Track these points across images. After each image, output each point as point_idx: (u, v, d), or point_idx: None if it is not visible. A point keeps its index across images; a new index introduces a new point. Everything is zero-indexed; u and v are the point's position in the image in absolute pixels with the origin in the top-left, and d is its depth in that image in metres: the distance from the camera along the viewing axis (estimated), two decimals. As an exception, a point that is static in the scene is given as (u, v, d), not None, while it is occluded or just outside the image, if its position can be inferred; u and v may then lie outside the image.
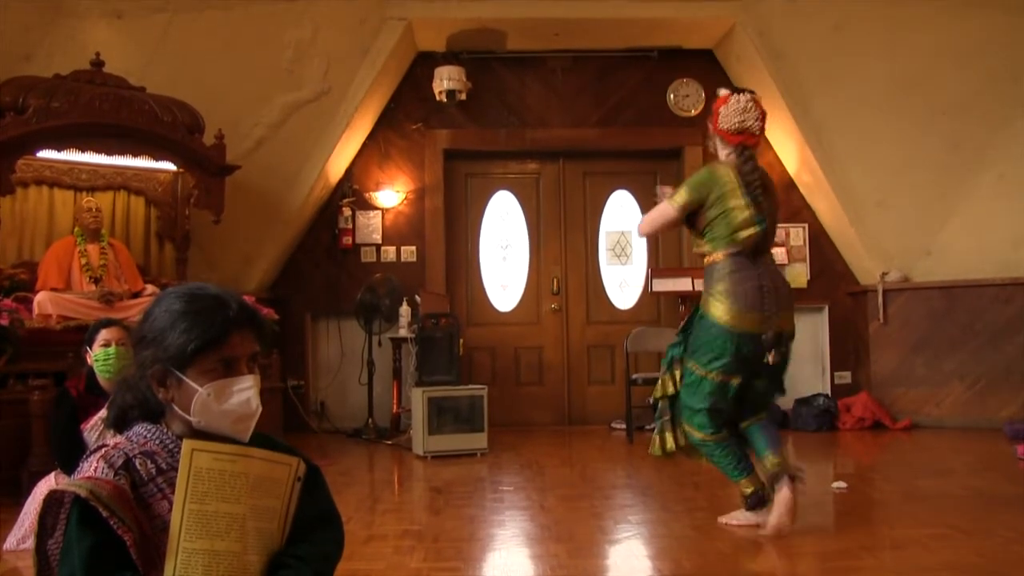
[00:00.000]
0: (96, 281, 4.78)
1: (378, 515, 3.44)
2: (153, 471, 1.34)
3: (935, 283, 6.22)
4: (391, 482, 4.45)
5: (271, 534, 1.34)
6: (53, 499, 1.29)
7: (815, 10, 5.90)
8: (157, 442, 1.38)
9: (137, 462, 1.33)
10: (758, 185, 3.07)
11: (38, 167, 5.05)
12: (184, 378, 1.35)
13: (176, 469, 1.30)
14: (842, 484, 3.80)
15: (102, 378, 3.02)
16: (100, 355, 3.02)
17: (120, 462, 1.32)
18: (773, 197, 3.17)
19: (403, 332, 5.91)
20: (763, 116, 3.15)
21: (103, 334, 3.06)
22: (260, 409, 1.40)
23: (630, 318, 6.73)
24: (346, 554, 1.52)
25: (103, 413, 2.86)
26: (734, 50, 6.30)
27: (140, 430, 1.40)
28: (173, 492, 1.29)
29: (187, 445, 1.30)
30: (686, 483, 3.83)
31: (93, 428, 2.86)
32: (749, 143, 3.13)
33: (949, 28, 5.83)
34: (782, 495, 2.92)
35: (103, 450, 1.35)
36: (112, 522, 1.23)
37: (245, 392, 1.35)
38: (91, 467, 1.31)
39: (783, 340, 3.09)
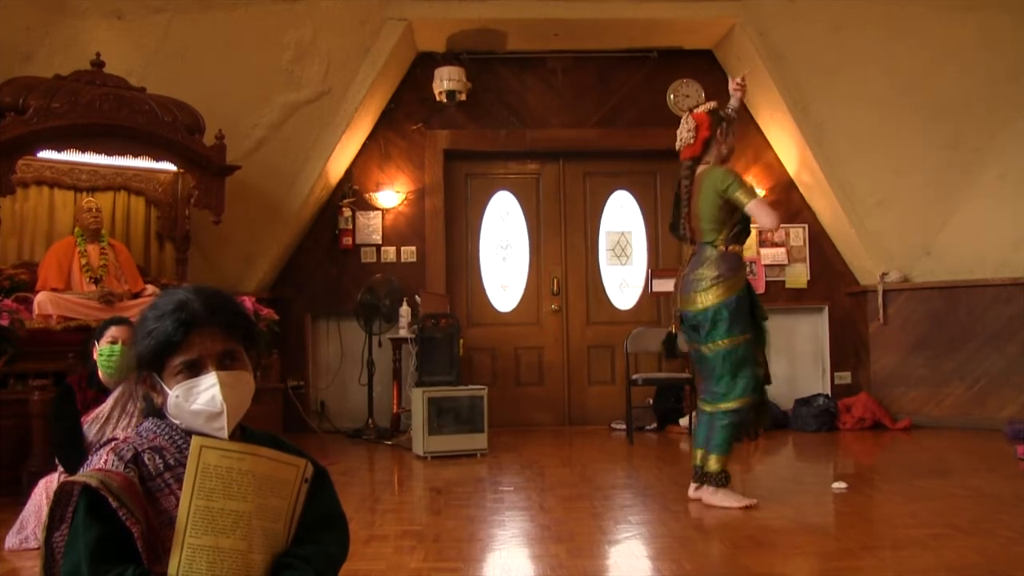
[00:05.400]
0: (96, 281, 4.78)
1: (378, 515, 3.45)
2: (161, 466, 1.34)
3: (935, 283, 6.22)
4: (391, 482, 4.45)
5: (276, 534, 1.35)
6: (63, 491, 1.30)
7: (815, 10, 5.91)
8: (166, 438, 1.38)
9: (146, 457, 1.34)
10: (683, 195, 3.65)
11: (38, 167, 5.05)
12: (159, 381, 1.37)
13: (184, 465, 1.30)
14: (842, 484, 3.80)
15: (104, 374, 3.04)
16: (105, 351, 3.04)
17: (129, 455, 1.33)
18: (696, 204, 3.59)
19: (403, 332, 5.92)
20: (695, 128, 3.61)
21: (112, 331, 3.09)
22: (242, 405, 1.39)
23: (630, 318, 6.74)
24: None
25: (105, 407, 2.88)
26: (734, 50, 6.30)
27: (149, 425, 1.41)
28: (180, 488, 1.30)
29: (196, 441, 1.31)
30: (686, 483, 3.82)
31: (94, 421, 2.88)
32: (682, 157, 3.68)
33: (949, 29, 5.83)
34: (692, 488, 3.58)
35: (113, 443, 1.36)
36: (121, 513, 1.24)
37: (209, 391, 1.35)
38: (101, 459, 1.32)
39: (683, 320, 3.61)
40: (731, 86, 3.71)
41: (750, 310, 3.49)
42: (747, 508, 3.39)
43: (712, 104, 3.69)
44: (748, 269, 3.69)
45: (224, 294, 1.44)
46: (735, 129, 3.66)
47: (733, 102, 3.69)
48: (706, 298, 3.47)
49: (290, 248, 6.45)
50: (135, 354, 1.39)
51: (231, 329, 1.40)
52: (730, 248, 3.52)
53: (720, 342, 3.45)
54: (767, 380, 3.57)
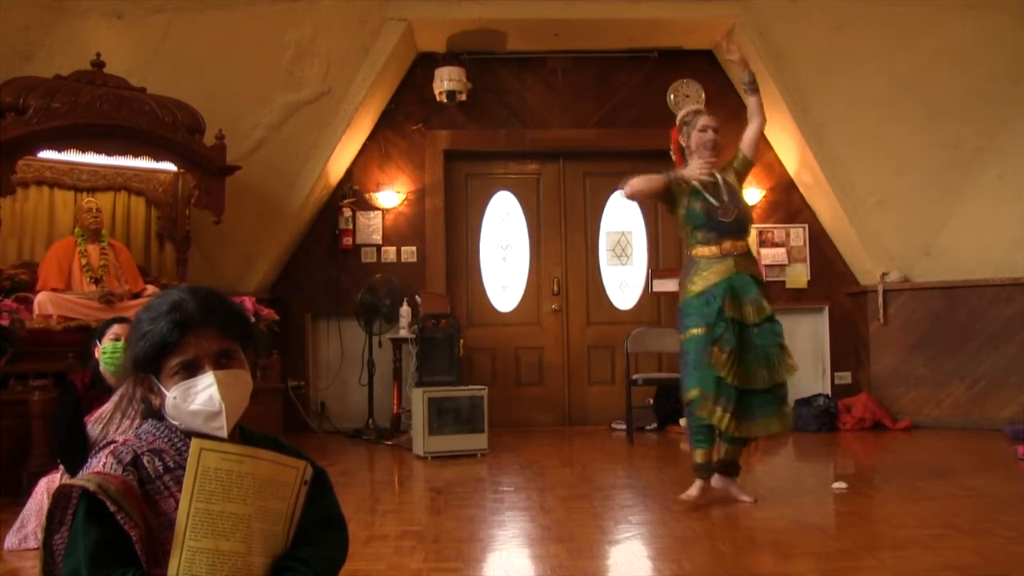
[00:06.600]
0: (96, 281, 4.78)
1: (378, 516, 3.45)
2: (160, 469, 1.34)
3: (935, 283, 6.22)
4: (391, 483, 4.45)
5: (276, 536, 1.35)
6: (62, 494, 1.29)
7: (815, 10, 5.91)
8: (165, 440, 1.38)
9: (145, 459, 1.34)
10: None
11: (39, 167, 5.06)
12: (157, 383, 1.37)
13: (184, 467, 1.30)
14: (842, 484, 3.80)
15: (107, 371, 3.04)
16: (108, 348, 3.04)
17: (128, 458, 1.33)
18: None
19: (403, 333, 5.92)
20: (671, 147, 3.76)
21: (115, 328, 3.11)
22: (240, 404, 1.39)
23: (630, 318, 6.74)
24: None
25: (107, 408, 2.88)
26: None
27: (149, 427, 1.41)
28: (180, 490, 1.29)
29: (195, 444, 1.31)
30: (687, 484, 3.82)
31: (97, 421, 2.87)
32: None
33: (949, 29, 5.83)
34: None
35: (112, 446, 1.36)
36: (119, 517, 1.24)
37: (207, 390, 1.35)
38: (100, 462, 1.32)
39: None
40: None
41: (715, 308, 3.41)
42: (685, 499, 3.47)
43: (681, 112, 3.75)
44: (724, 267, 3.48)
45: (218, 293, 1.44)
46: (697, 122, 3.58)
47: (744, 76, 3.67)
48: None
49: (290, 248, 6.45)
50: (131, 356, 1.39)
51: (227, 328, 1.40)
52: (693, 252, 3.55)
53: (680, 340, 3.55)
54: (755, 379, 3.39)
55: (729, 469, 3.60)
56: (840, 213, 6.30)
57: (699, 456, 3.49)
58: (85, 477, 1.28)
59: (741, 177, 3.62)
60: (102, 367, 3.07)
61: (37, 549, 1.35)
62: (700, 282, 3.45)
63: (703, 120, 3.57)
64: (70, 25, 5.26)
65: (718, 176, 3.55)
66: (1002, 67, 5.88)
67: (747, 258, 3.53)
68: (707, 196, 3.48)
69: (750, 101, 3.65)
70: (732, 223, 3.48)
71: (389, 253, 6.56)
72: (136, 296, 4.84)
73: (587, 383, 6.78)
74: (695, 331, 3.42)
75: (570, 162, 6.87)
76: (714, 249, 3.47)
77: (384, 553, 2.81)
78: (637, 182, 3.55)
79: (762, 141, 6.49)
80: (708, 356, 3.35)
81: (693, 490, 3.47)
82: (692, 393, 3.42)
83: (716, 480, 3.61)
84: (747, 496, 3.54)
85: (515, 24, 6.15)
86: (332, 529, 1.46)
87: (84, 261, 4.82)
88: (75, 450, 2.85)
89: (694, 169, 3.54)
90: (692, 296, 3.47)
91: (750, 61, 6.03)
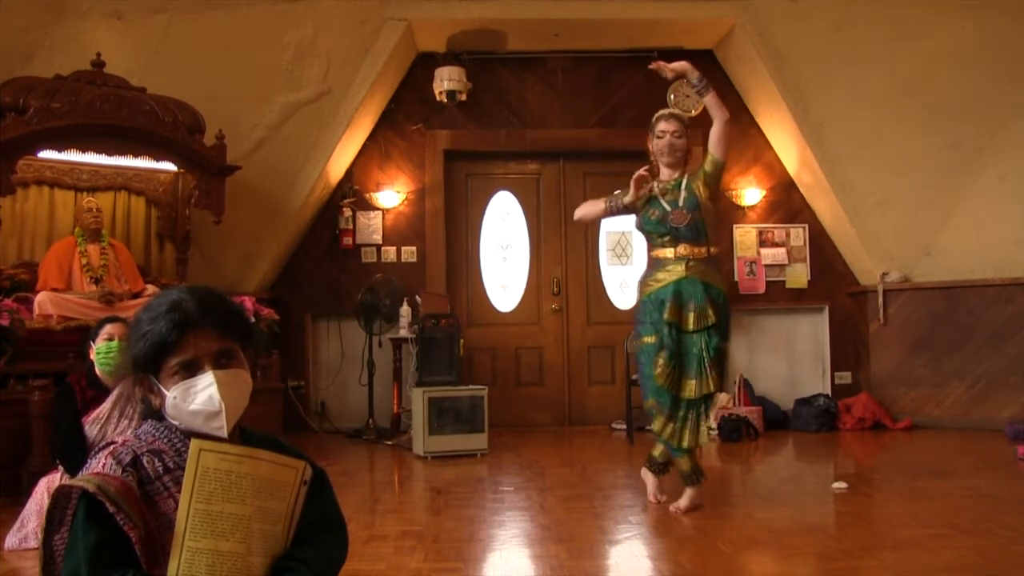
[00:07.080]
0: (96, 281, 4.78)
1: (378, 516, 3.45)
2: (160, 469, 1.34)
3: (935, 283, 6.22)
4: (391, 483, 4.45)
5: (276, 536, 1.35)
6: (61, 494, 1.29)
7: (815, 11, 5.91)
8: (165, 440, 1.38)
9: (144, 460, 1.34)
10: None
11: (39, 167, 5.06)
12: (156, 383, 1.37)
13: (183, 468, 1.30)
14: (842, 484, 3.80)
15: (102, 372, 3.05)
16: (102, 348, 3.05)
17: (128, 459, 1.33)
18: None
19: (403, 333, 5.92)
20: None
21: (108, 328, 3.11)
22: (240, 404, 1.39)
23: (630, 318, 6.68)
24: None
25: (104, 407, 2.88)
26: (734, 50, 6.30)
27: (148, 428, 1.41)
28: (179, 491, 1.29)
29: (195, 445, 1.31)
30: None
31: (95, 422, 2.88)
32: None
33: (949, 30, 5.83)
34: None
35: (112, 447, 1.36)
36: (119, 518, 1.24)
37: (207, 390, 1.35)
38: (99, 463, 1.32)
39: None
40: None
41: (662, 314, 3.41)
42: (653, 502, 3.54)
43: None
44: (676, 268, 3.47)
45: (217, 293, 1.44)
46: (656, 127, 3.62)
47: (691, 79, 3.62)
48: None
49: (290, 248, 6.45)
50: (130, 356, 1.39)
51: (226, 328, 1.40)
52: (652, 253, 3.62)
53: None
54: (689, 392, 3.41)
55: (660, 468, 3.60)
56: (840, 213, 6.30)
57: (683, 464, 3.47)
58: (84, 478, 1.28)
59: (713, 178, 3.52)
60: (97, 368, 3.07)
61: (37, 549, 1.34)
62: (653, 284, 3.49)
63: (660, 125, 3.60)
64: (70, 25, 5.26)
65: (684, 180, 3.53)
66: (1002, 67, 5.88)
67: (704, 264, 3.47)
68: (661, 202, 3.51)
69: (705, 100, 3.57)
70: (686, 228, 3.45)
71: (389, 253, 6.56)
72: (136, 296, 4.84)
73: (587, 383, 6.78)
74: (647, 339, 3.47)
75: (570, 162, 6.86)
76: (669, 252, 3.50)
77: (384, 553, 2.81)
78: (584, 207, 3.79)
79: (762, 141, 6.60)
80: (650, 367, 3.43)
81: (683, 500, 3.44)
82: (649, 403, 3.52)
83: (645, 472, 3.64)
84: (663, 497, 3.54)
85: (515, 24, 6.15)
86: (332, 529, 1.46)
87: (84, 261, 4.82)
88: (75, 451, 2.86)
89: (631, 194, 3.55)
90: (645, 298, 3.52)
91: (750, 61, 6.09)
